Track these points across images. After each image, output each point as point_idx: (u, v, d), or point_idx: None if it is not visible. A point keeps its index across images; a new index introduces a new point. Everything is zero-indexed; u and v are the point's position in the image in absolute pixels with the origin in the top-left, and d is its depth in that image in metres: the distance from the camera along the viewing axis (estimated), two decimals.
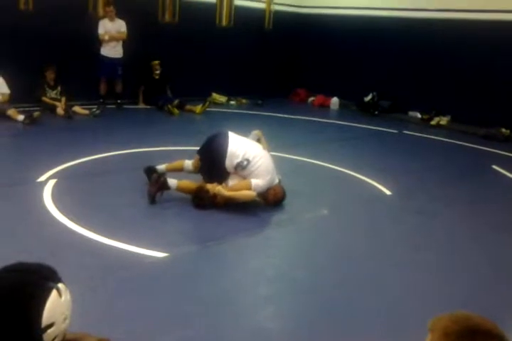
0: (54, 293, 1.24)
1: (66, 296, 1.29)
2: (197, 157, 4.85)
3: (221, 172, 4.65)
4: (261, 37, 10.58)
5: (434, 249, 4.09)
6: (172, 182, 4.64)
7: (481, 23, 8.46)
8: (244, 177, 4.61)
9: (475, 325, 1.26)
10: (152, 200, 4.56)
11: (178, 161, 5.07)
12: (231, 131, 4.81)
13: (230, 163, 4.57)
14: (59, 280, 1.29)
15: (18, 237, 3.72)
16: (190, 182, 4.72)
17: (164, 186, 4.59)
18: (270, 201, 4.68)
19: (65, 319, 1.28)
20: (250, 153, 4.56)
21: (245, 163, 4.53)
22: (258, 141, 4.96)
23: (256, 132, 4.95)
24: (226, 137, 4.67)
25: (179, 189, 4.68)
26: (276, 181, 4.72)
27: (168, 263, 3.53)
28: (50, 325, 1.22)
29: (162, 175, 4.67)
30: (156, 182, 4.57)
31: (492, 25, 8.34)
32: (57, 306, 1.23)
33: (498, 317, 1.34)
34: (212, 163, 4.67)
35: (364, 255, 3.92)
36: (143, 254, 3.58)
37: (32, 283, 1.23)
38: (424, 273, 3.67)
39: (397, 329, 2.92)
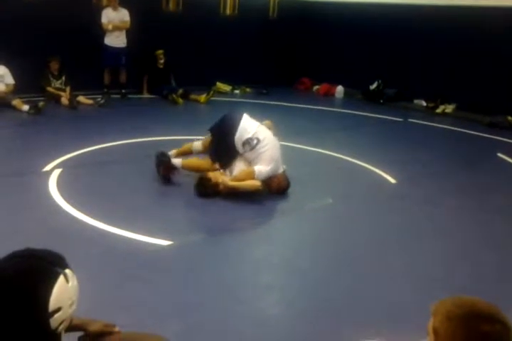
0: (61, 278, 1.26)
1: (73, 282, 1.31)
2: (208, 136, 4.87)
3: (229, 149, 4.63)
4: (265, 25, 10.50)
5: (439, 237, 4.10)
6: (176, 161, 4.77)
7: (487, 9, 8.36)
8: (250, 162, 4.62)
9: (478, 310, 1.27)
10: (167, 181, 4.73)
11: (186, 145, 5.11)
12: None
13: (239, 137, 4.57)
14: (66, 266, 1.31)
15: (24, 226, 3.76)
16: (195, 159, 4.75)
17: (170, 165, 4.72)
18: (274, 189, 4.69)
19: (71, 304, 1.30)
20: (261, 134, 4.59)
21: (255, 141, 4.54)
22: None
23: (266, 122, 4.94)
24: (241, 114, 4.74)
25: (185, 167, 4.79)
26: (281, 170, 4.73)
27: (173, 251, 3.55)
28: (57, 310, 1.24)
29: (164, 157, 4.76)
30: (161, 164, 4.71)
31: (498, 12, 8.25)
32: (64, 291, 1.25)
33: (500, 304, 1.34)
34: (223, 135, 4.68)
35: (368, 243, 3.93)
36: (147, 242, 3.61)
37: (40, 268, 1.25)
38: (428, 261, 3.68)
39: (399, 317, 2.94)
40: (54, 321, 1.24)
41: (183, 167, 4.79)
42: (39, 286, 1.22)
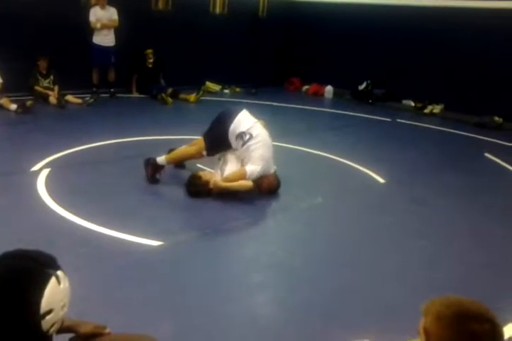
0: (53, 280, 1.25)
1: (65, 284, 1.31)
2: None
3: (222, 140, 4.63)
4: (255, 25, 10.49)
5: (428, 236, 4.12)
6: (160, 159, 4.78)
7: (475, 11, 8.43)
8: (242, 160, 4.62)
9: (467, 309, 1.28)
10: (155, 181, 4.77)
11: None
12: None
13: (233, 129, 4.58)
14: (58, 268, 1.31)
15: (12, 226, 3.73)
16: (178, 150, 4.73)
17: (156, 165, 4.76)
18: (264, 190, 4.70)
19: (63, 306, 1.29)
20: (255, 130, 4.60)
21: (247, 136, 4.54)
22: None
23: (261, 121, 4.93)
24: (240, 109, 4.78)
25: (170, 160, 4.81)
26: (272, 170, 4.74)
27: (163, 251, 3.55)
28: (49, 312, 1.23)
29: (150, 158, 4.80)
30: (147, 166, 4.77)
31: (486, 13, 8.32)
32: (56, 293, 1.25)
33: (490, 303, 1.36)
34: (218, 124, 4.71)
35: (358, 243, 3.95)
36: (137, 243, 3.60)
37: (32, 269, 1.25)
38: (417, 260, 3.71)
39: (390, 316, 2.96)
40: (45, 323, 1.23)
41: (168, 161, 4.80)
42: (31, 288, 1.21)
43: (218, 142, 4.69)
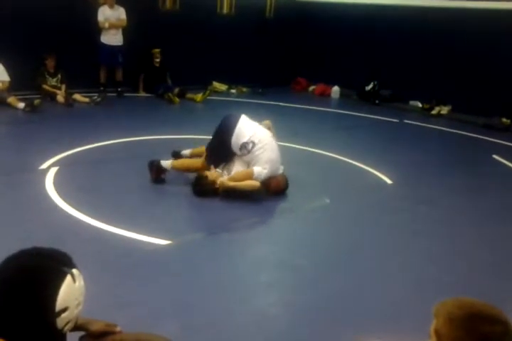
0: (69, 278, 1.25)
1: (80, 282, 1.31)
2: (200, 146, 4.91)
3: (226, 152, 4.67)
4: (262, 25, 10.50)
5: (435, 237, 4.11)
6: (165, 163, 4.77)
7: (482, 11, 8.40)
8: (248, 164, 4.63)
9: (479, 311, 1.28)
10: (158, 182, 4.77)
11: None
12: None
13: (236, 141, 4.58)
14: (74, 266, 1.31)
15: (21, 224, 3.74)
16: (185, 160, 4.74)
17: (160, 169, 4.75)
18: (272, 190, 4.69)
19: (78, 305, 1.29)
20: (257, 136, 4.58)
21: (251, 145, 4.54)
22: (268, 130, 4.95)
23: (266, 122, 4.92)
24: (238, 117, 4.74)
25: (175, 167, 4.79)
26: (280, 171, 4.73)
27: (171, 250, 3.55)
28: (64, 310, 1.23)
29: (155, 161, 4.79)
30: (151, 168, 4.76)
31: (493, 14, 8.29)
32: (71, 291, 1.25)
33: (497, 304, 1.35)
34: (220, 138, 4.68)
35: (365, 243, 3.95)
36: (145, 242, 3.60)
37: (48, 267, 1.25)
38: (424, 260, 3.70)
39: (397, 316, 2.95)
40: (60, 321, 1.24)
41: (174, 167, 4.78)
42: (46, 285, 1.21)
43: (223, 155, 4.71)
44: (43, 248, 1.31)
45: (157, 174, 4.76)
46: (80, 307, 1.32)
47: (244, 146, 4.57)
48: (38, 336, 1.24)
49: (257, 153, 4.54)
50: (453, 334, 1.25)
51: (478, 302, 1.32)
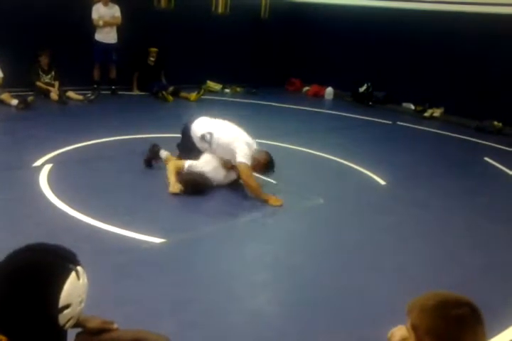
0: (73, 274, 1.26)
1: (83, 279, 1.31)
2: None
3: (193, 148, 4.92)
4: (257, 25, 10.51)
5: (427, 239, 4.15)
6: (163, 154, 5.06)
7: (476, 15, 8.45)
8: (222, 156, 4.77)
9: (445, 298, 1.38)
10: (147, 165, 5.07)
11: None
12: (225, 119, 5.05)
13: (195, 136, 4.88)
14: (78, 263, 1.31)
15: (15, 221, 3.73)
16: (172, 166, 4.77)
17: (156, 155, 5.07)
18: (260, 169, 4.76)
19: (80, 302, 1.30)
20: (213, 127, 4.86)
21: (208, 136, 4.78)
22: None
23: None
24: (194, 119, 5.06)
25: (165, 163, 4.96)
26: (255, 146, 4.82)
27: (166, 248, 3.55)
28: (67, 306, 1.23)
29: (157, 147, 5.11)
30: (150, 150, 5.08)
31: (486, 18, 8.34)
32: (74, 288, 1.25)
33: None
34: (183, 137, 5.05)
35: (358, 243, 3.97)
36: (139, 239, 3.61)
37: (53, 263, 1.25)
38: (418, 261, 3.73)
39: (391, 316, 2.96)
40: (62, 317, 1.24)
41: (165, 162, 5.00)
42: (51, 281, 1.21)
43: (191, 151, 4.93)
44: (49, 244, 1.31)
45: (150, 158, 5.07)
46: (83, 305, 1.32)
47: (203, 138, 4.82)
48: (39, 332, 1.24)
49: (220, 141, 4.73)
50: (429, 325, 1.32)
51: (443, 292, 1.42)
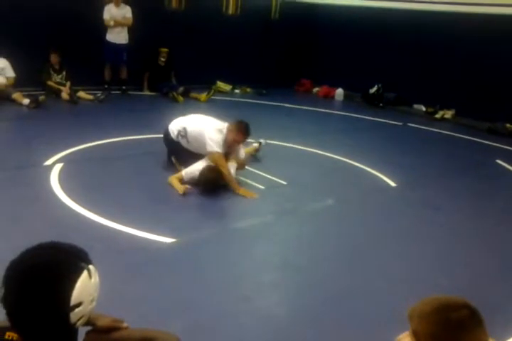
0: (85, 273, 1.26)
1: (95, 278, 1.31)
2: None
3: (180, 148, 5.03)
4: (267, 26, 10.51)
5: (437, 241, 4.11)
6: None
7: (489, 17, 8.40)
8: (199, 148, 4.88)
9: (442, 302, 1.36)
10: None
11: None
12: (233, 119, 5.04)
13: (174, 135, 5.02)
14: (90, 262, 1.31)
15: (26, 220, 3.74)
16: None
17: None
18: (239, 140, 4.85)
19: (92, 300, 1.30)
20: (185, 122, 5.05)
21: (183, 131, 4.97)
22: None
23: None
24: (169, 123, 5.21)
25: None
26: (225, 124, 4.89)
27: (176, 248, 3.55)
28: (78, 305, 1.23)
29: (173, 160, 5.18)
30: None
31: (500, 19, 8.30)
32: (86, 287, 1.25)
33: (502, 309, 1.37)
34: (169, 143, 5.15)
35: (367, 245, 3.95)
36: (150, 239, 3.61)
37: (65, 261, 1.25)
38: (426, 264, 3.70)
39: (401, 318, 2.94)
40: (74, 315, 1.24)
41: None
42: (63, 279, 1.21)
43: (181, 151, 5.04)
44: (61, 242, 1.31)
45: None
46: (94, 303, 1.32)
47: (179, 134, 4.99)
48: (50, 329, 1.24)
49: (194, 134, 4.86)
50: (429, 331, 1.31)
51: (441, 296, 1.40)
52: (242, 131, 4.83)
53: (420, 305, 1.37)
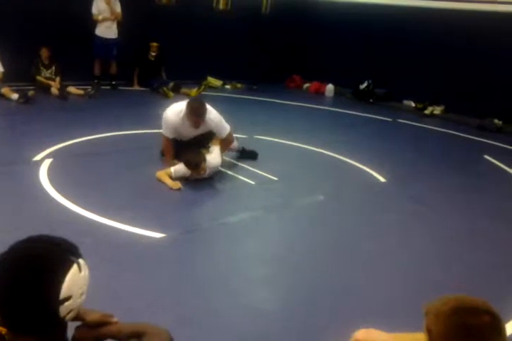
0: (75, 266, 1.26)
1: (85, 272, 1.31)
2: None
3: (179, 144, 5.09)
4: (258, 21, 10.49)
5: (427, 236, 4.15)
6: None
7: (477, 13, 8.45)
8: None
9: (462, 304, 1.28)
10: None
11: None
12: (225, 115, 5.10)
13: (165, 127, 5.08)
14: (80, 256, 1.31)
15: (15, 216, 3.72)
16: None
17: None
18: (193, 121, 4.86)
19: (81, 294, 1.30)
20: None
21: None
22: None
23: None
24: None
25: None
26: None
27: (165, 243, 3.55)
28: (68, 298, 1.23)
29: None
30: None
31: (487, 16, 8.34)
32: (76, 280, 1.25)
33: (491, 302, 1.37)
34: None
35: (358, 241, 3.97)
36: (139, 234, 3.61)
37: (55, 254, 1.25)
38: (416, 260, 3.73)
39: (393, 314, 2.97)
40: (63, 309, 1.23)
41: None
42: (52, 272, 1.21)
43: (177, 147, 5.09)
44: (51, 236, 1.30)
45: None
46: (84, 297, 1.32)
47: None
48: (40, 323, 1.24)
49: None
50: (442, 331, 1.25)
51: (462, 296, 1.32)
52: (192, 114, 4.82)
53: (439, 303, 1.30)
